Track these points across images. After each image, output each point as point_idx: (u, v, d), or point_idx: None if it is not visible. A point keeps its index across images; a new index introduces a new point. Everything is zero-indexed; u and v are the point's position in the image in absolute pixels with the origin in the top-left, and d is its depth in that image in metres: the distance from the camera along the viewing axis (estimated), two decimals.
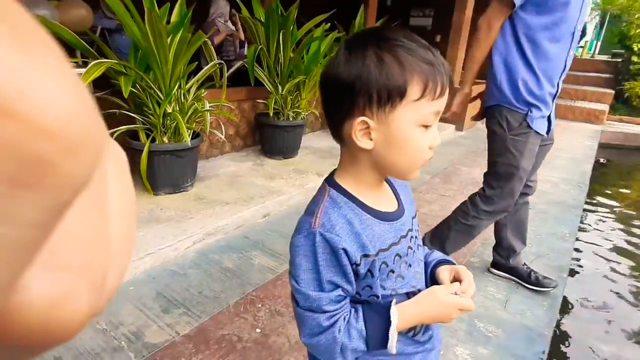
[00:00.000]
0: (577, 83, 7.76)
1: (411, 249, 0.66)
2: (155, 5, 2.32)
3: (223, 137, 2.86)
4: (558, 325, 1.99)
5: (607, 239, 3.47)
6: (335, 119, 0.60)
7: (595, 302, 2.48)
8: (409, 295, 0.65)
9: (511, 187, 1.68)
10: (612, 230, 3.67)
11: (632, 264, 3.06)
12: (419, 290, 0.67)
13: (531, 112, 1.57)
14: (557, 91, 1.62)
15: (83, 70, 2.04)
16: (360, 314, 0.61)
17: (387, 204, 0.65)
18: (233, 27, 4.43)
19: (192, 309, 1.71)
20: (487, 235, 2.24)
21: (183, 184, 2.64)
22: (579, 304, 2.46)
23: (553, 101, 1.63)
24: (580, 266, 2.94)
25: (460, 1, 4.90)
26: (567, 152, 4.70)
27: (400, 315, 0.60)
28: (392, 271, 0.63)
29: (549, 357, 1.61)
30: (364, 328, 0.59)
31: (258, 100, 3.56)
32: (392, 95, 0.54)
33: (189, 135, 2.53)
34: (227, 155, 3.47)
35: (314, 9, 3.72)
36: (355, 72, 0.55)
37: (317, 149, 3.82)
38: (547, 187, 3.44)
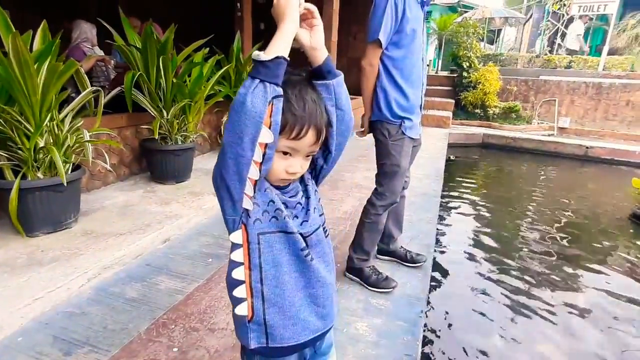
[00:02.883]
0: (427, 95, 9.22)
1: (300, 204, 0.85)
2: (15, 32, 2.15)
3: (108, 166, 2.72)
4: (430, 289, 2.44)
5: (460, 218, 4.29)
6: None
7: (455, 267, 3.08)
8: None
9: (395, 182, 2.07)
10: (462, 211, 4.53)
11: (479, 233, 3.85)
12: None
13: (404, 122, 2.00)
14: (421, 102, 2.08)
15: None
16: None
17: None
18: (102, 52, 4.20)
19: (99, 345, 1.64)
20: None
21: (65, 220, 2.44)
22: (443, 270, 3.03)
23: (420, 110, 2.09)
24: (442, 241, 3.60)
25: (328, 33, 5.49)
26: (426, 153, 5.60)
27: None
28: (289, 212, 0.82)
29: (426, 314, 2.00)
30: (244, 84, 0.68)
31: (141, 126, 3.45)
32: None
33: (68, 169, 2.38)
34: (112, 185, 3.27)
35: (190, 34, 3.79)
36: None
37: (210, 170, 3.83)
38: (414, 182, 4.09)
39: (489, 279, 3.03)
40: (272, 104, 0.68)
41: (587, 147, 7.07)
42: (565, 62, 10.51)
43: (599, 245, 3.79)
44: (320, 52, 0.78)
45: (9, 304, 1.75)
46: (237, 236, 0.79)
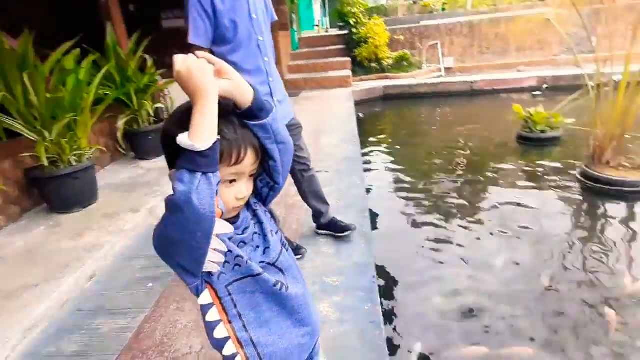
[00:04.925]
0: (323, 57, 9.34)
1: (256, 233, 0.81)
2: None
3: None
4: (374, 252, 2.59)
5: (379, 171, 4.55)
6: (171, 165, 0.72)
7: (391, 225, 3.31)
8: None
9: None
10: (379, 164, 4.81)
11: (398, 180, 4.14)
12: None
13: None
14: (271, 91, 2.04)
15: None
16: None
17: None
18: None
19: None
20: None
21: None
22: (382, 231, 3.23)
23: (274, 97, 2.05)
24: (369, 196, 3.81)
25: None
26: (336, 117, 5.74)
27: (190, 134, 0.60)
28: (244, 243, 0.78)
29: (377, 276, 2.14)
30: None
31: (22, 155, 2.94)
32: None
33: None
34: (3, 231, 2.79)
35: (56, 37, 3.24)
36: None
37: (119, 184, 3.48)
38: (334, 150, 4.20)
39: (415, 220, 3.35)
40: (217, 192, 0.63)
41: (471, 83, 7.86)
42: (439, 6, 11.31)
43: (495, 167, 4.37)
44: (246, 88, 0.71)
45: None
46: (206, 297, 0.75)
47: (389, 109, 7.85)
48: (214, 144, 0.60)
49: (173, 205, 0.60)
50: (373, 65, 9.06)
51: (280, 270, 0.83)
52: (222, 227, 0.68)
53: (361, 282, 2.04)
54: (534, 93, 7.35)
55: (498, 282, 2.49)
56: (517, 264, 2.65)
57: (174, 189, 0.60)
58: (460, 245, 2.91)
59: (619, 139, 3.47)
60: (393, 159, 5.05)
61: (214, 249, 0.69)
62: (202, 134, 0.60)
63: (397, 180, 4.29)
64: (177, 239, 0.63)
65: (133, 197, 3.20)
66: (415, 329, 2.18)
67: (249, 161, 0.73)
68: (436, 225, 3.23)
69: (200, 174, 0.60)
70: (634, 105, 3.37)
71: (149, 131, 4.10)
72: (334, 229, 2.46)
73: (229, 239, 0.75)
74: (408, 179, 4.31)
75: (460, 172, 4.30)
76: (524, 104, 5.11)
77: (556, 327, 2.11)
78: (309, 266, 2.20)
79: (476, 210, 3.45)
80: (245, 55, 1.90)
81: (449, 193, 3.81)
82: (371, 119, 7.21)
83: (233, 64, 1.83)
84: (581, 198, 3.54)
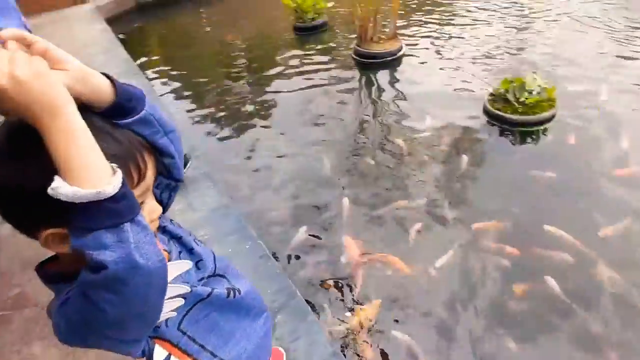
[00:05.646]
0: None
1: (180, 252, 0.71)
2: None
3: None
4: None
5: (174, 99, 4.15)
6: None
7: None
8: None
9: None
10: (171, 90, 4.34)
11: (199, 103, 3.90)
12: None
13: None
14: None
15: None
16: None
17: None
18: None
19: None
20: None
21: None
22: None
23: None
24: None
25: None
26: (93, 47, 4.62)
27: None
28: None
29: None
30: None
31: None
32: None
33: None
34: None
35: None
36: None
37: None
38: None
39: (220, 134, 3.42)
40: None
41: None
42: None
43: (279, 61, 4.55)
44: (97, 78, 0.51)
45: None
46: (160, 354, 0.63)
47: (150, 22, 6.74)
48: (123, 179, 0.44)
49: (109, 281, 0.43)
50: None
51: (222, 276, 0.77)
52: (176, 269, 0.56)
53: (228, 224, 1.99)
54: None
55: (323, 166, 2.84)
56: (331, 140, 3.11)
57: (98, 261, 0.42)
58: (271, 145, 3.17)
59: (375, 15, 4.03)
60: (175, 79, 4.57)
61: (171, 297, 0.56)
62: (96, 169, 0.43)
63: (188, 100, 4.09)
64: (123, 316, 0.47)
65: None
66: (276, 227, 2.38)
67: (152, 170, 0.58)
68: (240, 131, 3.39)
69: (127, 223, 0.44)
70: None
71: None
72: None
73: None
74: (198, 95, 4.14)
75: (248, 75, 4.38)
76: None
77: (377, 172, 2.75)
78: None
79: (273, 108, 3.68)
80: None
81: (243, 98, 3.91)
82: (134, 38, 6.12)
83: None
84: (358, 74, 4.14)
